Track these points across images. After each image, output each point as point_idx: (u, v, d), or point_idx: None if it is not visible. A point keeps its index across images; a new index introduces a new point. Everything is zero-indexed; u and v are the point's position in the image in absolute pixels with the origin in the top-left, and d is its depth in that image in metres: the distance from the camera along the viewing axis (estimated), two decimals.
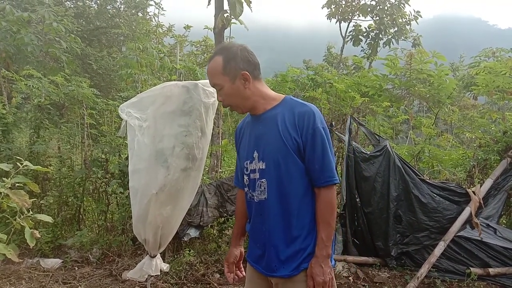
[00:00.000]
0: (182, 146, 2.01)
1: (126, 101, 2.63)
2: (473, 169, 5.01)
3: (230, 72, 1.82)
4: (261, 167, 1.85)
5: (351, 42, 19.01)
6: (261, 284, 1.97)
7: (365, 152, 4.71)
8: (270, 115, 1.86)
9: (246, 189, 1.95)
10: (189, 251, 4.34)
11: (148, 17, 15.00)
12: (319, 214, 1.81)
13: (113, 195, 4.94)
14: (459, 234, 4.32)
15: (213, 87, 1.91)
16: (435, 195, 4.51)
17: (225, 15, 9.54)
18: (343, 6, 19.01)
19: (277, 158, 1.80)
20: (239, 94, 1.85)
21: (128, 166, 2.31)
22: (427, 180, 4.62)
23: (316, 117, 1.78)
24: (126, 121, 2.08)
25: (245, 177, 1.94)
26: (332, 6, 19.07)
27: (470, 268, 4.20)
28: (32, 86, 5.02)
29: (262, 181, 1.85)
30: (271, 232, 1.84)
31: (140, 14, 14.68)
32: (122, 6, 14.56)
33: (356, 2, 18.88)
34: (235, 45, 1.88)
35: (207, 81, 2.15)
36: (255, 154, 1.88)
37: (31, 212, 2.48)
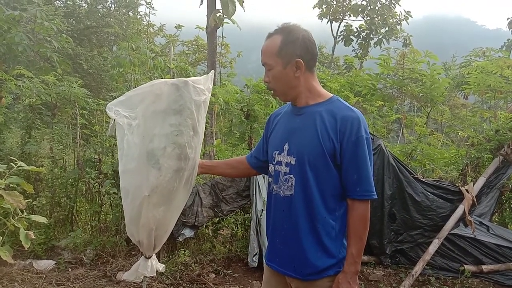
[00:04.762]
0: (174, 146, 1.95)
1: None
2: (466, 167, 5.05)
3: (285, 56, 1.71)
4: (291, 162, 1.76)
5: (342, 42, 19.12)
6: (278, 285, 1.90)
7: None
8: (311, 111, 1.76)
9: (270, 179, 1.88)
10: (184, 251, 4.31)
11: (139, 16, 14.92)
12: (351, 228, 1.73)
13: (106, 196, 4.88)
14: (452, 231, 4.35)
15: (263, 65, 1.80)
16: (429, 194, 4.53)
17: (218, 14, 9.54)
18: (334, 6, 19.11)
19: (310, 157, 1.70)
20: (287, 81, 1.75)
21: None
22: (421, 179, 4.64)
23: (361, 125, 1.68)
24: (114, 120, 2.01)
25: (271, 166, 1.87)
26: (323, 6, 19.16)
27: (464, 265, 4.25)
28: (22, 86, 4.96)
29: (290, 177, 1.75)
30: (295, 229, 1.75)
31: (131, 14, 14.58)
32: (113, 6, 14.46)
33: (347, 2, 18.99)
34: (299, 29, 1.75)
35: (198, 78, 2.08)
36: (285, 147, 1.79)
37: (25, 213, 2.44)
